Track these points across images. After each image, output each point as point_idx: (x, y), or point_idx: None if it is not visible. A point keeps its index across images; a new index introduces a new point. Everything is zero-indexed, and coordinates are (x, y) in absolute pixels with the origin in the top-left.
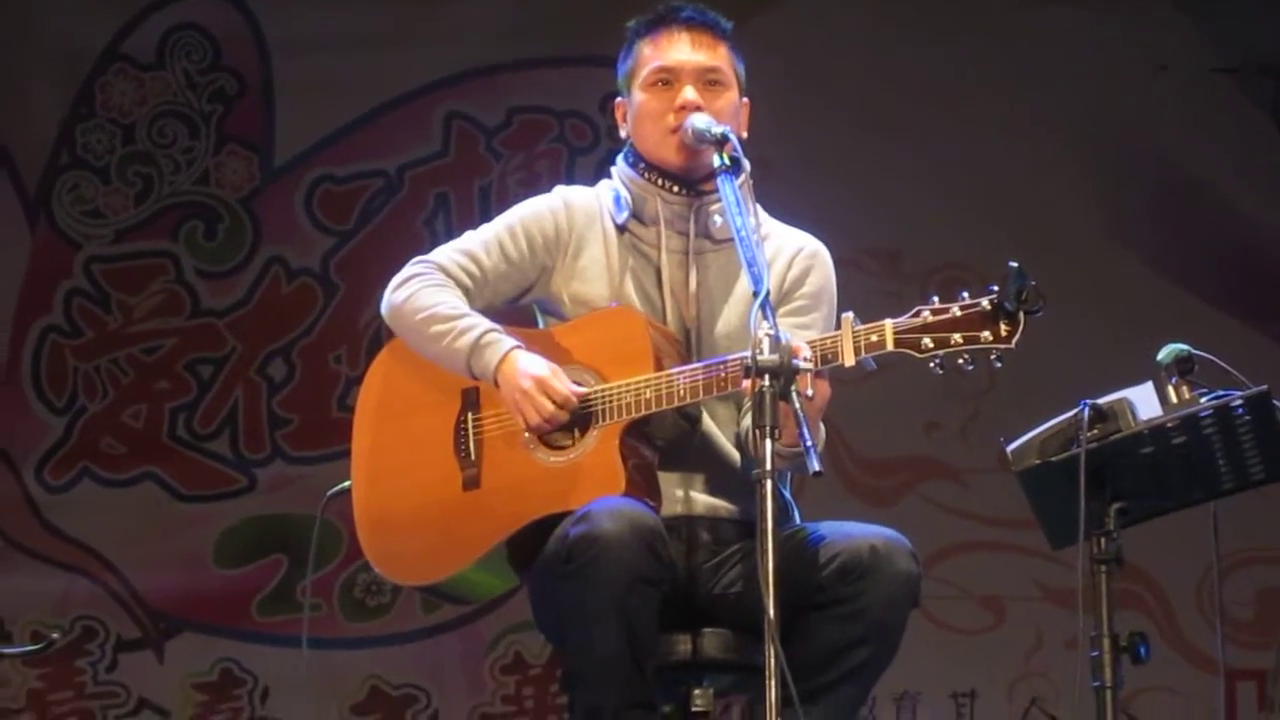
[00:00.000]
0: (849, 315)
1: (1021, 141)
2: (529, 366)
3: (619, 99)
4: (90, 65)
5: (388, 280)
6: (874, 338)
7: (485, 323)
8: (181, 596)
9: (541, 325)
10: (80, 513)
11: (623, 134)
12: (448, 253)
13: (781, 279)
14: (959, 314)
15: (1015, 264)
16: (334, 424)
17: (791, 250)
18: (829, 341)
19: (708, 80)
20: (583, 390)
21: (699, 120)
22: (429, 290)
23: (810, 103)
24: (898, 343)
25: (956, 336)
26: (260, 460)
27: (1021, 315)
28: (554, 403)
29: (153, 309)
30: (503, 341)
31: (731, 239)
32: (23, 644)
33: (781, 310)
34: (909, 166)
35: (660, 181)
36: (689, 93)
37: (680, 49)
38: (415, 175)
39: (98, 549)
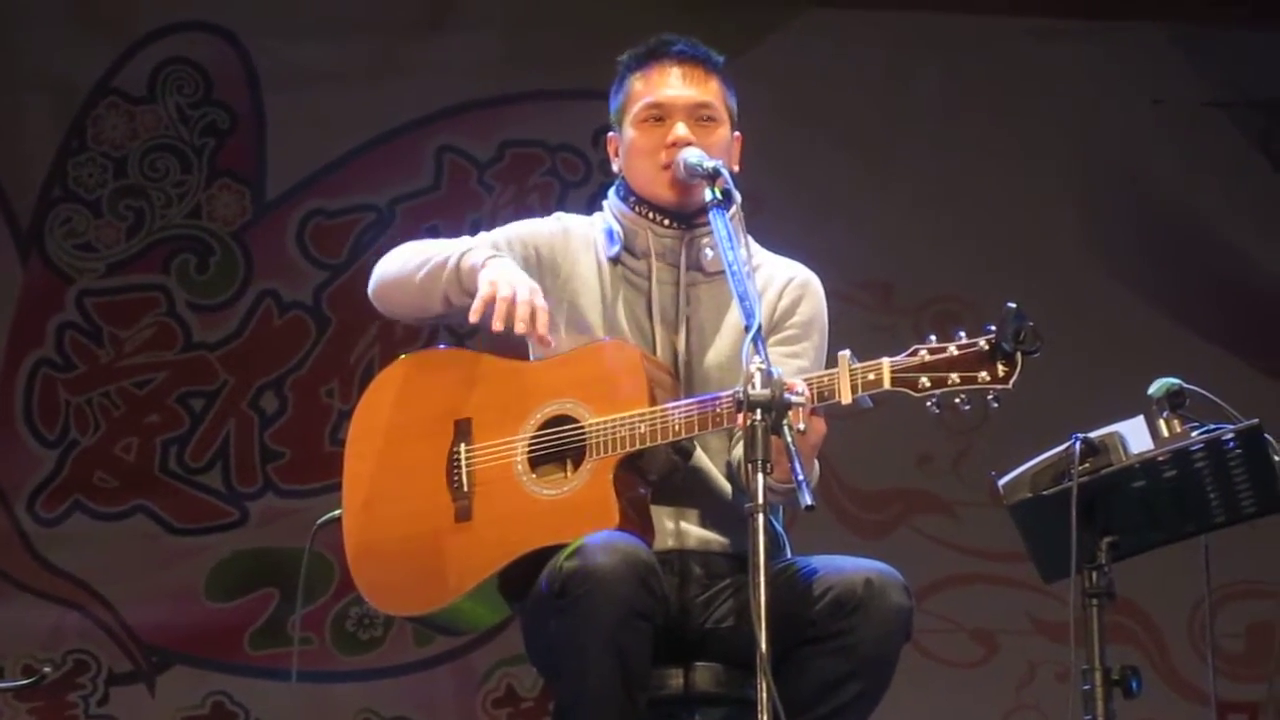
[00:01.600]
0: (845, 353)
1: (1015, 174)
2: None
3: (611, 134)
4: (82, 99)
5: (379, 315)
6: (871, 376)
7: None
8: (173, 630)
9: (534, 357)
10: (72, 546)
11: (615, 168)
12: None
13: (772, 309)
14: (956, 353)
15: (1013, 305)
16: (326, 458)
17: (782, 280)
18: (826, 379)
19: (699, 116)
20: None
21: (691, 155)
22: (409, 245)
23: (802, 136)
24: (895, 382)
25: (954, 376)
26: (252, 493)
27: (1019, 356)
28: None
29: (144, 342)
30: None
31: (723, 271)
32: (14, 678)
33: (772, 340)
34: (901, 200)
35: (651, 215)
36: (680, 129)
37: (671, 84)
38: (407, 209)
39: (89, 582)
